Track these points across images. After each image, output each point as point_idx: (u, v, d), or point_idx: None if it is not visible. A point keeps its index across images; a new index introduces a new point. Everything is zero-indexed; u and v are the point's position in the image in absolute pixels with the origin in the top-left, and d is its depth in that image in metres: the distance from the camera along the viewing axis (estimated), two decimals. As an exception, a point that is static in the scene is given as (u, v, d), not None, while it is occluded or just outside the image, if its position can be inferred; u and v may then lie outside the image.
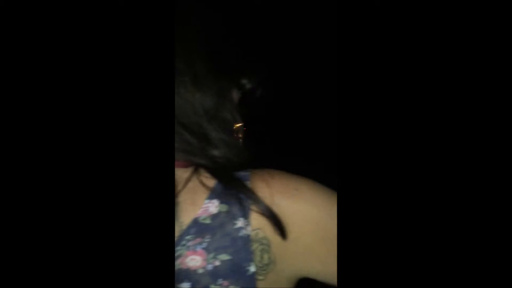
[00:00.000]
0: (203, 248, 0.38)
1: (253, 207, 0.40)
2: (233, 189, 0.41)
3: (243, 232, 0.39)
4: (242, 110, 0.55)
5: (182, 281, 0.37)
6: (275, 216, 0.40)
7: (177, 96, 0.41)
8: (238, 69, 0.53)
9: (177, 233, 0.39)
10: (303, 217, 0.40)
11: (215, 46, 0.48)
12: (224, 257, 0.38)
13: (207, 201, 0.41)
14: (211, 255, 0.38)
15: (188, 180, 0.42)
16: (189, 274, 0.37)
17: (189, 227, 0.39)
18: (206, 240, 0.38)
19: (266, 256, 0.40)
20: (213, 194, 0.41)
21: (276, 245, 0.40)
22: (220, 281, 0.38)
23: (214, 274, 0.38)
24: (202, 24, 0.47)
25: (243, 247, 0.39)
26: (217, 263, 0.38)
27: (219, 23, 0.53)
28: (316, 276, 0.42)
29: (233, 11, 0.57)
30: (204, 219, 0.40)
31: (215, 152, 0.43)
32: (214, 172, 0.43)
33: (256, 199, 0.40)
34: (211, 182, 0.42)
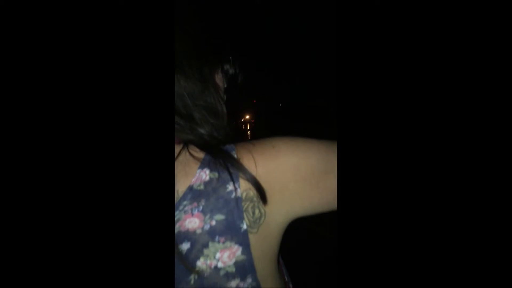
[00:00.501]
0: (200, 211, 0.43)
1: (240, 174, 0.45)
2: (221, 159, 0.46)
3: (234, 195, 0.44)
4: (227, 94, 0.60)
5: (182, 242, 0.42)
6: (257, 183, 0.45)
7: None
8: (221, 56, 0.58)
9: (174, 200, 0.44)
10: (284, 167, 0.46)
11: (197, 36, 0.53)
12: (219, 217, 0.43)
13: (199, 170, 0.46)
14: (207, 216, 0.43)
15: (179, 154, 0.47)
16: (188, 235, 0.42)
17: (185, 194, 0.44)
18: (202, 204, 0.43)
19: (257, 211, 0.45)
20: (203, 164, 0.46)
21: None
22: (217, 238, 0.42)
23: (211, 233, 0.42)
24: (185, 14, 0.52)
25: (235, 207, 0.44)
26: (213, 223, 0.43)
27: (201, 12, 0.57)
28: (304, 213, 0.47)
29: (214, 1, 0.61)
30: (198, 185, 0.44)
31: (201, 130, 0.49)
32: (202, 146, 0.48)
33: (241, 168, 0.45)
34: (201, 154, 0.47)
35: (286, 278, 0.54)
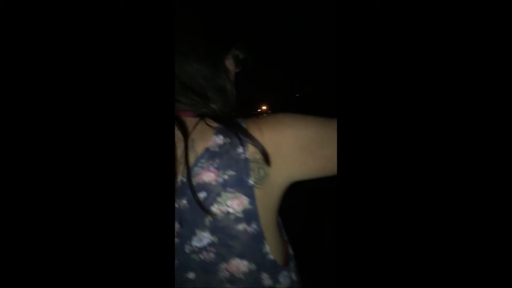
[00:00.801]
0: (215, 168, 0.53)
1: (248, 141, 0.55)
2: (232, 129, 0.56)
3: (243, 156, 0.54)
4: (238, 78, 0.69)
5: (200, 191, 0.52)
6: (263, 148, 0.54)
7: (180, 65, 0.57)
8: (230, 43, 0.68)
9: (193, 159, 0.54)
10: (286, 137, 0.55)
11: (208, 26, 0.63)
12: (230, 173, 0.53)
13: (214, 136, 0.56)
14: (221, 172, 0.53)
15: (197, 124, 0.57)
16: (205, 186, 0.52)
17: (203, 153, 0.54)
18: (216, 162, 0.53)
19: (261, 171, 0.54)
20: (218, 131, 0.56)
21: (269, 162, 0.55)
22: (228, 189, 0.53)
23: (224, 185, 0.53)
24: (199, 8, 0.62)
25: (244, 166, 0.54)
26: (226, 177, 0.53)
27: (214, 4, 0.67)
28: (302, 177, 0.57)
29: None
30: (214, 148, 0.55)
31: (214, 106, 0.59)
32: (216, 118, 0.58)
33: (249, 135, 0.55)
34: (215, 124, 0.57)
35: (284, 237, 0.64)
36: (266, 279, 0.54)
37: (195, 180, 0.53)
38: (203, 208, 0.52)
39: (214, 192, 0.52)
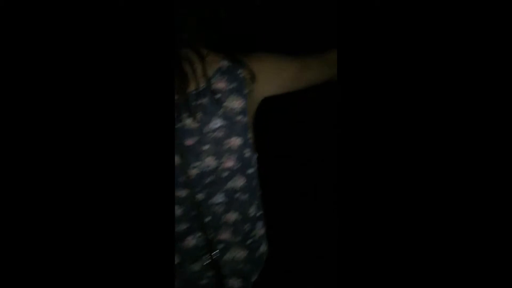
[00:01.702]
0: (225, 80, 0.85)
1: (244, 66, 0.88)
2: (234, 58, 0.89)
3: (241, 75, 0.87)
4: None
5: (216, 94, 0.85)
6: (251, 71, 0.88)
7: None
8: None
9: (211, 73, 0.86)
10: (263, 65, 0.90)
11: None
12: (234, 85, 0.86)
13: (222, 60, 0.87)
14: (228, 83, 0.85)
15: (207, 54, 0.87)
16: (220, 90, 0.85)
17: (216, 71, 0.85)
18: (225, 77, 0.86)
19: (250, 86, 0.89)
20: (223, 58, 0.87)
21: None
22: (234, 93, 0.86)
23: (230, 91, 0.85)
24: None
25: (242, 81, 0.87)
26: (231, 86, 0.85)
27: None
28: (271, 92, 0.93)
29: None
30: (223, 68, 0.86)
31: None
32: (220, 50, 0.90)
33: (244, 63, 0.88)
34: (220, 55, 0.88)
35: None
36: (247, 152, 0.91)
37: (213, 86, 0.86)
38: (219, 103, 0.86)
39: (225, 95, 0.86)
